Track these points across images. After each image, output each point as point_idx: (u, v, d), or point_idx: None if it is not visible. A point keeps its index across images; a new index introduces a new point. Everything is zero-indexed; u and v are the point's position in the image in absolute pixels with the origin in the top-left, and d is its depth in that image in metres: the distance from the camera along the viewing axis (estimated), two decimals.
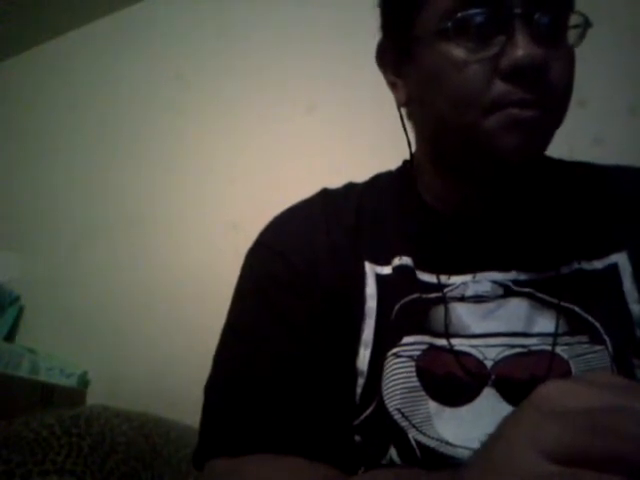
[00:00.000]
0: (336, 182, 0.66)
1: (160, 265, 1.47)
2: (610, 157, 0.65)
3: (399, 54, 0.57)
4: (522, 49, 0.48)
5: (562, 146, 0.60)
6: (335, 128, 1.34)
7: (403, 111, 0.62)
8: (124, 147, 1.66)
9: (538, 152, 0.54)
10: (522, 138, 0.49)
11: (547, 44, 0.49)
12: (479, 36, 0.49)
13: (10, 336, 1.57)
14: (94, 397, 1.40)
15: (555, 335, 0.52)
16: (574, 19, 0.52)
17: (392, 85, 0.60)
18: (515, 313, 0.54)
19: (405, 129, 0.61)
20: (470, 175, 0.56)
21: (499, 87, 0.49)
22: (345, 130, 1.32)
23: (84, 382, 1.43)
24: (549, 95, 0.50)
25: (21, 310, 1.62)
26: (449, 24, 0.49)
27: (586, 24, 0.52)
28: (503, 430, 0.28)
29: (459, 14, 0.49)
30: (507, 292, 0.55)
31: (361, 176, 0.67)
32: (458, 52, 0.50)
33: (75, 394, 1.38)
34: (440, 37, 0.51)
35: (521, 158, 0.51)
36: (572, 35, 0.52)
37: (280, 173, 1.37)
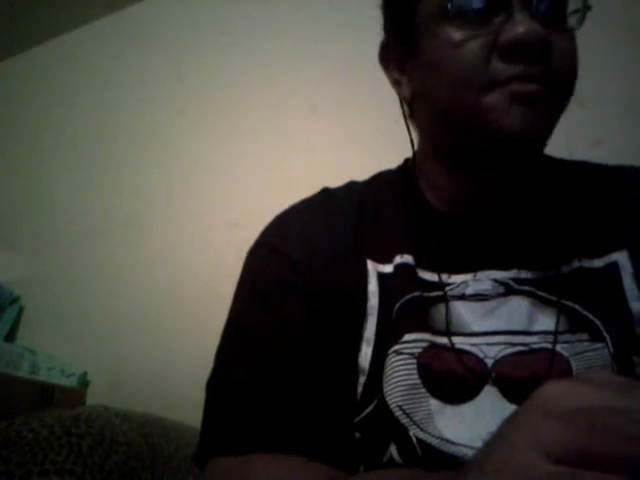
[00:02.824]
0: (336, 181, 0.66)
1: (160, 265, 1.47)
2: (610, 158, 0.65)
3: (402, 50, 0.58)
4: (522, 26, 0.47)
5: (561, 147, 0.60)
6: (336, 128, 1.34)
7: (406, 110, 0.62)
8: (124, 147, 1.66)
9: (545, 130, 0.52)
10: (528, 113, 0.49)
11: (546, 25, 0.48)
12: (478, 17, 0.50)
13: (10, 336, 1.56)
14: (94, 397, 1.40)
15: (556, 333, 0.52)
16: (573, 3, 0.52)
17: (396, 83, 0.60)
18: (516, 311, 0.54)
19: (408, 126, 0.61)
20: (475, 166, 0.56)
21: (497, 65, 0.49)
22: (346, 130, 1.32)
23: (84, 382, 1.43)
24: (553, 73, 0.49)
25: (21, 310, 1.62)
26: (448, 6, 0.50)
27: (585, 7, 0.52)
28: (504, 430, 0.28)
29: None
30: (508, 290, 0.55)
31: (361, 175, 0.67)
32: (457, 34, 0.50)
33: (75, 394, 1.37)
34: (440, 21, 0.51)
35: (527, 135, 0.49)
36: (572, 20, 0.52)
37: (280, 172, 1.37)
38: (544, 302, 0.54)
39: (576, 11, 0.52)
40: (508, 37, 0.48)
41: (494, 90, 0.49)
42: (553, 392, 0.27)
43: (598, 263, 0.56)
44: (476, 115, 0.50)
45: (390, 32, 0.60)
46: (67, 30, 1.84)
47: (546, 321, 0.53)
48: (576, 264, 0.56)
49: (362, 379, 0.54)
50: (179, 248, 1.45)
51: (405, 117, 0.62)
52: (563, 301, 0.54)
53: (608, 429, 0.24)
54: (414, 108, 0.61)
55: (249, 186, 1.41)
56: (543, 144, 0.55)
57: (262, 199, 1.30)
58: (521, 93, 0.48)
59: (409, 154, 0.66)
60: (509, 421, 0.29)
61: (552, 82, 0.49)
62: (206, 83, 1.56)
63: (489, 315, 0.54)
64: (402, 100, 0.61)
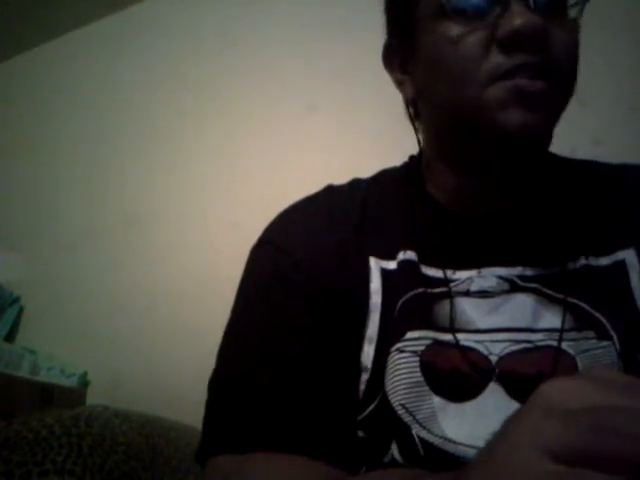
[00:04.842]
0: (336, 181, 0.66)
1: (160, 265, 1.47)
2: (611, 157, 0.65)
3: (405, 51, 0.58)
4: (519, 17, 0.47)
5: (563, 146, 0.60)
6: (335, 128, 1.34)
7: (412, 111, 0.62)
8: (124, 147, 1.66)
9: (544, 129, 0.52)
10: (530, 112, 0.48)
11: (545, 16, 0.48)
12: (475, 12, 0.50)
13: (10, 336, 1.56)
14: (94, 397, 1.40)
15: (561, 331, 0.52)
16: None
17: (399, 84, 0.60)
18: (520, 308, 0.53)
19: (414, 125, 0.61)
20: (478, 165, 0.56)
21: (496, 58, 0.49)
22: (346, 130, 1.32)
23: (84, 382, 1.43)
24: (554, 63, 0.49)
25: (21, 310, 1.62)
26: (444, 2, 0.50)
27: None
28: (506, 429, 0.28)
29: None
30: (513, 287, 0.54)
31: (361, 175, 0.67)
32: (455, 29, 0.50)
33: (75, 394, 1.37)
34: (438, 17, 0.51)
35: (526, 134, 0.49)
36: (572, 12, 0.51)
37: (280, 173, 1.37)
38: (550, 299, 0.54)
39: (576, 4, 0.51)
40: (505, 30, 0.48)
41: (495, 83, 0.49)
42: (555, 390, 0.27)
43: (605, 261, 0.55)
44: (476, 110, 0.50)
45: (392, 32, 0.60)
46: (67, 30, 1.85)
47: (551, 319, 0.53)
48: (582, 262, 0.55)
49: (364, 377, 0.54)
50: (179, 248, 1.45)
51: (411, 118, 0.62)
52: (569, 299, 0.53)
53: (610, 429, 0.24)
54: (418, 108, 0.61)
55: (249, 186, 1.41)
56: (544, 142, 0.55)
57: (262, 199, 1.29)
58: (525, 91, 0.48)
59: (409, 153, 0.66)
60: (511, 420, 0.28)
61: (552, 75, 0.49)
62: (206, 83, 1.56)
63: (494, 312, 0.54)
64: (407, 101, 0.61)
